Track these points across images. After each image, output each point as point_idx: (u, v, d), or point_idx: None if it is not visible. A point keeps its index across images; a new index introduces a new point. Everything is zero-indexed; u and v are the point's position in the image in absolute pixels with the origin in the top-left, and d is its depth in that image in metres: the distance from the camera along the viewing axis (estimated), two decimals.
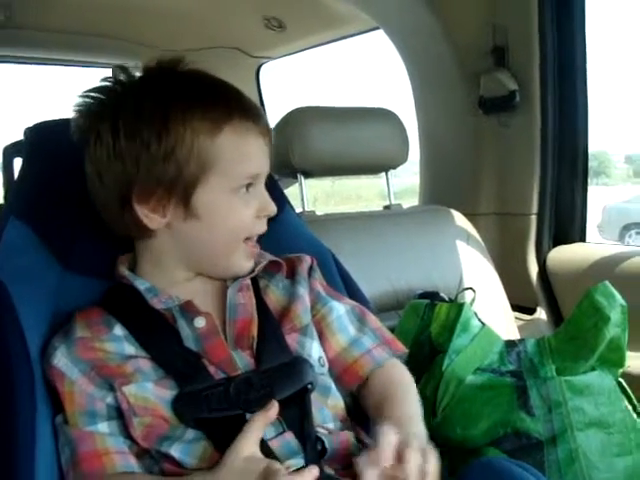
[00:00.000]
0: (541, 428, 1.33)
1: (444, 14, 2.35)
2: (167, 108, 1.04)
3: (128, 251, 1.16)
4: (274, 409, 0.98)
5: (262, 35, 3.17)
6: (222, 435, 0.97)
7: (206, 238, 1.10)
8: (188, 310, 1.07)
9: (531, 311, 2.32)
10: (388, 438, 0.93)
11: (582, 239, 2.33)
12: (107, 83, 1.10)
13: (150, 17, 3.06)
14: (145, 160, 1.04)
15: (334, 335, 1.18)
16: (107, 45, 3.33)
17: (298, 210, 1.70)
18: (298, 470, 0.93)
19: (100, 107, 1.08)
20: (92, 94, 1.09)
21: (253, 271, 1.14)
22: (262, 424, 0.96)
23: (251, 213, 1.09)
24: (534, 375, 1.39)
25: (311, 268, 1.24)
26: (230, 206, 1.08)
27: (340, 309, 1.21)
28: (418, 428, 1.05)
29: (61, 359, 1.03)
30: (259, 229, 1.12)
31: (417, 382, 1.40)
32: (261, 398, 1.00)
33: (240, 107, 1.09)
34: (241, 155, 1.07)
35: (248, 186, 1.09)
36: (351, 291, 1.35)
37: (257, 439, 0.94)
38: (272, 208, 1.12)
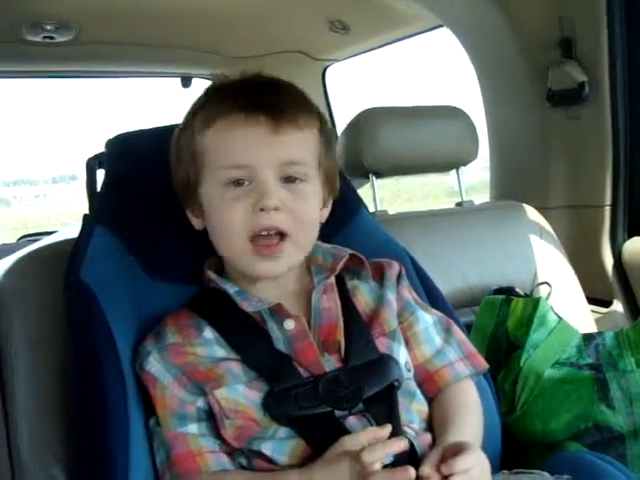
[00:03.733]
0: (622, 421, 1.33)
1: (509, 8, 2.33)
2: (186, 117, 1.13)
3: (214, 255, 1.18)
4: (387, 430, 0.96)
5: (326, 38, 3.18)
6: (313, 432, 0.99)
7: (215, 238, 1.12)
8: (278, 312, 1.08)
9: (607, 304, 2.28)
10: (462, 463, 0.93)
11: None
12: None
13: (216, 25, 3.10)
14: (172, 166, 1.15)
15: (420, 345, 1.18)
16: (175, 55, 3.38)
17: (370, 210, 1.71)
18: (394, 467, 0.93)
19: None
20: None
21: (334, 270, 1.14)
22: (371, 436, 0.96)
23: (243, 208, 1.05)
24: (614, 368, 1.38)
25: (400, 275, 1.24)
26: (220, 201, 1.07)
27: (428, 320, 1.21)
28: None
29: (154, 364, 1.06)
30: (262, 223, 1.05)
31: (495, 377, 1.42)
32: (349, 395, 1.02)
33: (234, 99, 1.07)
34: (224, 147, 1.07)
35: (239, 181, 1.06)
36: (428, 290, 1.35)
37: (359, 445, 0.94)
38: (267, 201, 1.04)
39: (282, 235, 1.07)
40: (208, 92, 1.14)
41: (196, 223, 1.16)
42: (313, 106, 1.15)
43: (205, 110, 1.10)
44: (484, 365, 1.22)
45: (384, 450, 0.91)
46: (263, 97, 1.08)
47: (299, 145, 1.10)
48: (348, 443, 0.95)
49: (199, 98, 1.15)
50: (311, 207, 1.12)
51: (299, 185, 1.09)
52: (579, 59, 2.22)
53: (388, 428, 0.97)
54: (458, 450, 0.94)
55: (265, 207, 1.04)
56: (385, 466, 0.93)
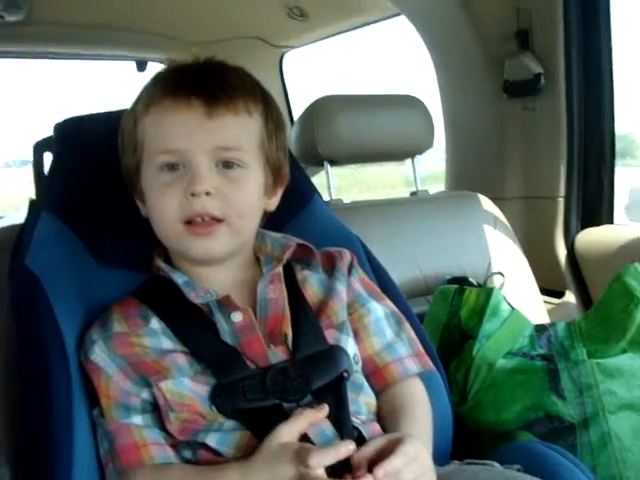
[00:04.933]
0: (573, 411, 1.33)
1: None
2: (135, 99, 1.12)
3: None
4: (324, 411, 0.98)
5: (284, 24, 3.16)
6: (259, 424, 0.97)
7: (153, 224, 1.11)
8: (226, 304, 1.07)
9: (560, 294, 2.31)
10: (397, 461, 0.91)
11: (610, 221, 2.30)
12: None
13: (172, 9, 3.06)
14: (119, 152, 1.14)
15: (370, 337, 1.16)
16: (130, 38, 3.33)
17: (325, 198, 1.70)
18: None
19: None
20: None
21: (281, 260, 1.13)
22: (307, 421, 0.96)
23: (175, 193, 1.04)
24: (565, 358, 1.39)
25: (351, 265, 1.22)
26: (154, 186, 1.06)
27: (379, 311, 1.19)
28: (428, 448, 1.04)
29: (99, 354, 1.03)
30: (193, 208, 1.04)
31: (447, 367, 1.42)
32: (297, 387, 1.01)
33: (174, 84, 1.06)
34: (158, 132, 1.06)
35: (173, 165, 1.05)
36: (381, 279, 1.34)
37: (297, 432, 0.94)
38: (197, 186, 1.03)
39: (217, 221, 1.06)
40: (154, 77, 1.13)
41: (142, 210, 1.15)
42: (258, 91, 1.13)
43: (146, 95, 1.09)
44: (431, 367, 1.21)
45: (334, 455, 0.89)
46: (201, 81, 1.06)
47: (235, 130, 1.07)
48: (285, 432, 0.94)
49: (146, 83, 1.13)
50: (248, 193, 1.09)
51: (236, 171, 1.07)
52: (535, 51, 2.24)
53: (325, 409, 0.97)
54: (394, 444, 0.93)
55: (195, 192, 1.03)
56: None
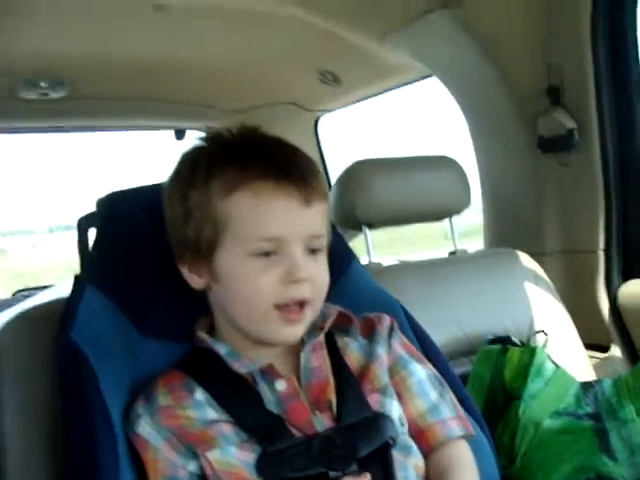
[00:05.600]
0: (625, 472, 1.31)
1: (497, 58, 2.36)
2: (194, 172, 1.09)
3: (205, 314, 1.17)
4: (367, 478, 0.97)
5: (318, 89, 3.23)
6: None
7: (230, 303, 1.10)
8: (269, 373, 1.07)
9: (605, 349, 2.28)
10: None
11: None
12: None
13: (208, 78, 3.14)
14: (171, 221, 1.12)
15: (413, 399, 1.16)
16: (167, 109, 3.42)
17: (363, 261, 1.71)
18: None
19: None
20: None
21: (322, 328, 1.13)
22: None
23: (272, 280, 1.04)
24: (614, 417, 1.37)
25: (391, 329, 1.22)
26: (245, 271, 1.05)
27: (421, 373, 1.19)
28: None
29: (145, 427, 1.04)
30: (291, 295, 1.04)
31: (493, 429, 1.40)
32: (344, 455, 1.01)
33: (262, 165, 1.05)
34: (254, 217, 1.04)
35: (269, 252, 1.04)
36: (422, 341, 1.33)
37: None
38: (299, 273, 1.04)
39: (303, 303, 1.07)
40: (215, 147, 1.12)
41: (196, 283, 1.13)
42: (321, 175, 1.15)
43: (226, 171, 1.06)
44: (472, 431, 1.19)
45: None
46: (291, 165, 1.07)
47: (323, 217, 1.11)
48: None
49: (204, 153, 1.12)
50: (326, 274, 1.12)
51: (319, 255, 1.10)
52: (567, 106, 2.25)
53: (367, 476, 0.97)
54: None
55: (297, 280, 1.04)
56: None
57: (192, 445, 1.02)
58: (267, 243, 1.04)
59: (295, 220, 1.05)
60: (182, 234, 1.11)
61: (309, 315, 1.09)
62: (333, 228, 1.29)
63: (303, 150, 1.16)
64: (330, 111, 3.58)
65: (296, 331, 1.09)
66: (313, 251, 1.09)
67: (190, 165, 1.11)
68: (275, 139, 1.14)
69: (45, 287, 3.46)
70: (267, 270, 1.04)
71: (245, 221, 1.05)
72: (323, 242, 1.11)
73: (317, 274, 1.08)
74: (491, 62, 2.38)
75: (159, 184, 1.20)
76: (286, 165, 1.06)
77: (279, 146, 1.13)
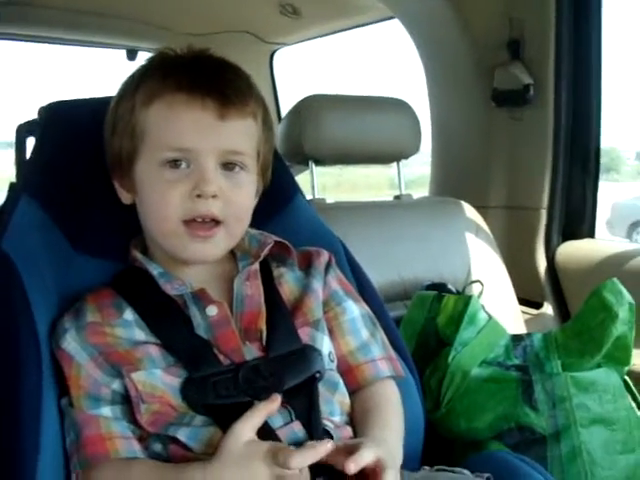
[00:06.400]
0: (545, 423, 1.33)
1: (461, 6, 2.35)
2: (127, 84, 1.09)
3: (140, 234, 1.15)
4: (277, 401, 0.97)
5: (276, 21, 3.16)
6: (230, 421, 0.95)
7: (146, 217, 1.09)
8: (201, 298, 1.06)
9: (538, 306, 2.32)
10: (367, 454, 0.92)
11: (591, 235, 2.32)
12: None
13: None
14: (105, 135, 1.11)
15: (344, 336, 1.16)
16: (120, 26, 3.32)
17: (308, 197, 1.69)
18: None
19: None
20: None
21: (258, 257, 1.12)
22: (263, 413, 0.95)
23: (180, 194, 1.02)
24: (540, 370, 1.39)
25: (328, 264, 1.21)
26: (155, 182, 1.04)
27: (355, 311, 1.19)
28: (397, 452, 1.04)
29: (70, 342, 1.02)
30: (198, 209, 1.02)
31: (422, 373, 1.41)
32: (269, 386, 1.00)
33: (181, 77, 1.03)
34: (167, 127, 1.03)
35: (177, 162, 1.02)
36: (359, 281, 1.33)
37: (255, 426, 0.94)
38: (206, 188, 1.01)
39: (216, 222, 1.04)
40: (152, 63, 1.10)
41: (125, 197, 1.12)
42: (259, 93, 1.12)
43: (148, 83, 1.06)
44: (401, 373, 1.20)
45: (314, 455, 0.88)
46: (211, 79, 1.04)
47: (243, 134, 1.07)
48: (245, 430, 0.93)
49: (142, 68, 1.10)
50: (247, 196, 1.09)
51: (238, 173, 1.06)
52: (526, 61, 2.24)
53: (278, 399, 0.97)
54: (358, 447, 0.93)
55: (203, 194, 1.01)
56: None
57: (117, 364, 1.01)
58: (177, 153, 1.02)
59: (207, 132, 1.03)
60: (110, 146, 1.10)
61: (222, 235, 1.06)
62: (279, 159, 1.26)
63: (254, 81, 1.13)
64: (287, 45, 3.52)
65: (206, 249, 1.06)
66: (229, 167, 1.05)
67: (128, 79, 1.10)
68: (217, 59, 1.11)
69: None
70: (177, 182, 1.02)
71: (159, 131, 1.03)
72: (245, 160, 1.07)
73: (231, 191, 1.05)
74: (454, 9, 2.36)
75: (105, 98, 1.16)
76: (207, 78, 1.04)
77: (214, 63, 1.10)
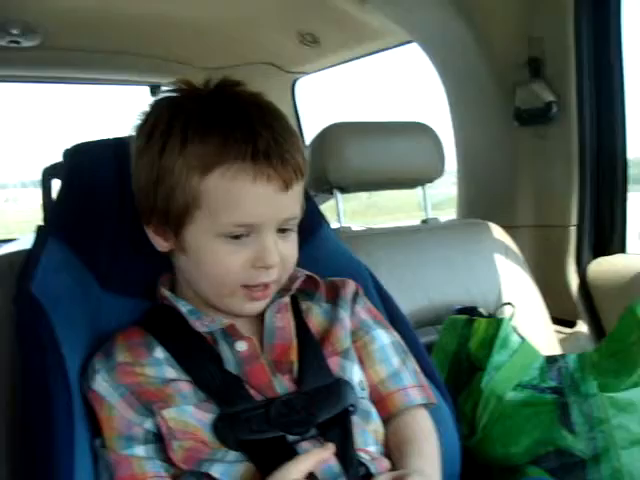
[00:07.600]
0: (584, 446, 1.31)
1: (479, 26, 2.34)
2: (170, 132, 1.00)
3: (168, 271, 1.15)
4: (331, 450, 0.97)
5: (297, 50, 3.18)
6: (263, 456, 0.96)
7: (196, 276, 1.07)
8: (230, 333, 1.06)
9: (572, 324, 2.29)
10: None
11: (623, 250, 2.29)
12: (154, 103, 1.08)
13: (183, 34, 3.09)
14: (139, 182, 1.06)
15: (374, 365, 1.15)
16: (142, 63, 3.37)
17: (334, 226, 1.69)
18: None
19: (138, 126, 1.08)
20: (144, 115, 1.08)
21: (289, 290, 1.12)
22: (315, 459, 0.95)
23: (240, 262, 1.01)
24: (575, 391, 1.36)
25: (356, 294, 1.21)
26: (214, 251, 1.02)
27: (384, 339, 1.18)
28: None
29: (101, 383, 1.02)
30: (260, 279, 1.03)
31: (456, 399, 1.40)
32: (302, 420, 1.00)
33: (243, 145, 0.97)
34: (228, 202, 0.99)
35: (240, 235, 1.01)
36: (388, 308, 1.33)
37: (305, 471, 0.93)
38: (269, 260, 1.01)
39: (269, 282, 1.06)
40: (189, 104, 1.03)
41: (162, 245, 1.09)
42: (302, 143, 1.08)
43: (202, 142, 0.98)
44: (434, 400, 1.19)
45: None
46: (272, 145, 0.98)
47: (299, 197, 1.07)
48: (294, 471, 0.92)
49: (177, 107, 1.03)
50: (295, 248, 1.10)
51: (291, 234, 1.07)
52: (547, 79, 2.23)
53: (331, 448, 0.96)
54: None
55: (267, 265, 1.02)
56: None
57: (149, 403, 1.01)
58: (240, 229, 1.01)
59: (271, 206, 1.01)
60: (150, 199, 1.04)
61: (274, 289, 1.08)
62: (305, 192, 1.27)
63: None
64: (308, 73, 3.54)
65: (259, 306, 1.08)
66: (284, 230, 1.05)
67: (165, 123, 1.01)
68: (254, 100, 1.06)
69: (11, 240, 3.40)
70: (237, 252, 1.01)
71: (219, 204, 0.99)
72: (297, 221, 1.08)
73: (286, 252, 1.05)
74: (472, 30, 2.35)
75: (127, 137, 1.17)
76: (267, 144, 0.98)
77: (259, 113, 1.03)
